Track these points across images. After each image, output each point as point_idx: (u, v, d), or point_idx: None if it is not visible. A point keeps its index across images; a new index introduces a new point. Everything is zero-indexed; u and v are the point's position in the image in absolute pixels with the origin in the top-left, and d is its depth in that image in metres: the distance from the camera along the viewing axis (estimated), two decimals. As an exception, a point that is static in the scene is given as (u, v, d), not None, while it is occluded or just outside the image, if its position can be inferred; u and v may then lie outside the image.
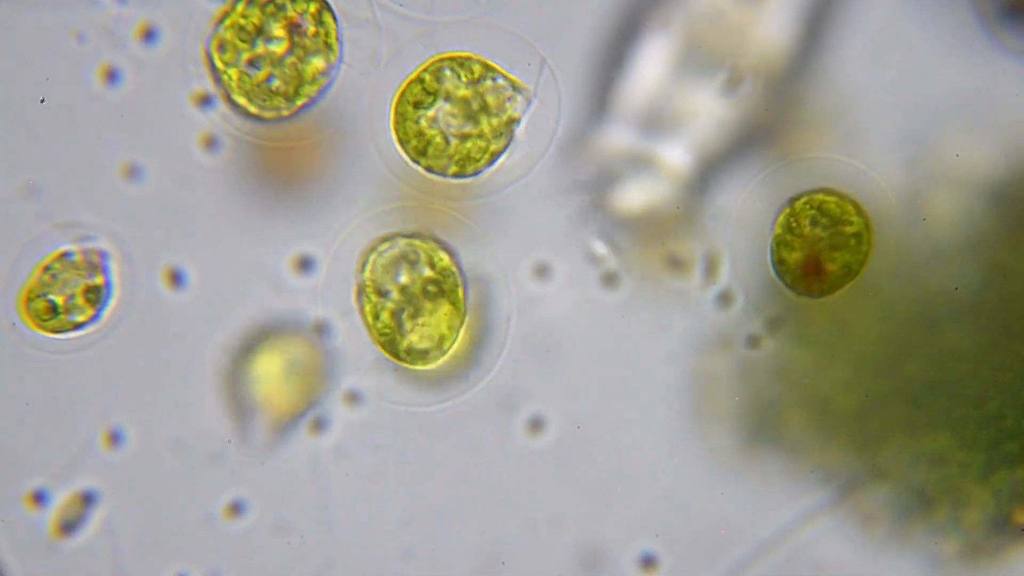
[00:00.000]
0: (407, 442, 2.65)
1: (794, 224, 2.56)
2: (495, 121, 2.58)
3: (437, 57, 2.58)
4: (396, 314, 2.59)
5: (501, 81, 2.58)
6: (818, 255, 2.56)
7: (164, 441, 2.64)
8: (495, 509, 2.66)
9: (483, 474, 2.66)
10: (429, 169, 2.59)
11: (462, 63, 2.58)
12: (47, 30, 2.63)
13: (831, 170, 2.58)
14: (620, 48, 2.60)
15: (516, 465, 2.66)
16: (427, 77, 2.57)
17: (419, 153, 2.58)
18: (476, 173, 2.60)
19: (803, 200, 2.57)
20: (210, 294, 2.65)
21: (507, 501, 2.66)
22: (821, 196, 2.57)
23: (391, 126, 2.59)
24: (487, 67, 2.58)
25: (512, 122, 2.58)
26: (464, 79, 2.57)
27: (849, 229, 2.57)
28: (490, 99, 2.57)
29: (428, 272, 2.58)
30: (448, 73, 2.57)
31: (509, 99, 2.57)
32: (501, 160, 2.59)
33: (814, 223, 2.57)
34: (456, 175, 2.59)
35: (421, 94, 2.57)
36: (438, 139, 2.56)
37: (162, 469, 2.65)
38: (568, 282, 2.63)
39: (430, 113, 2.56)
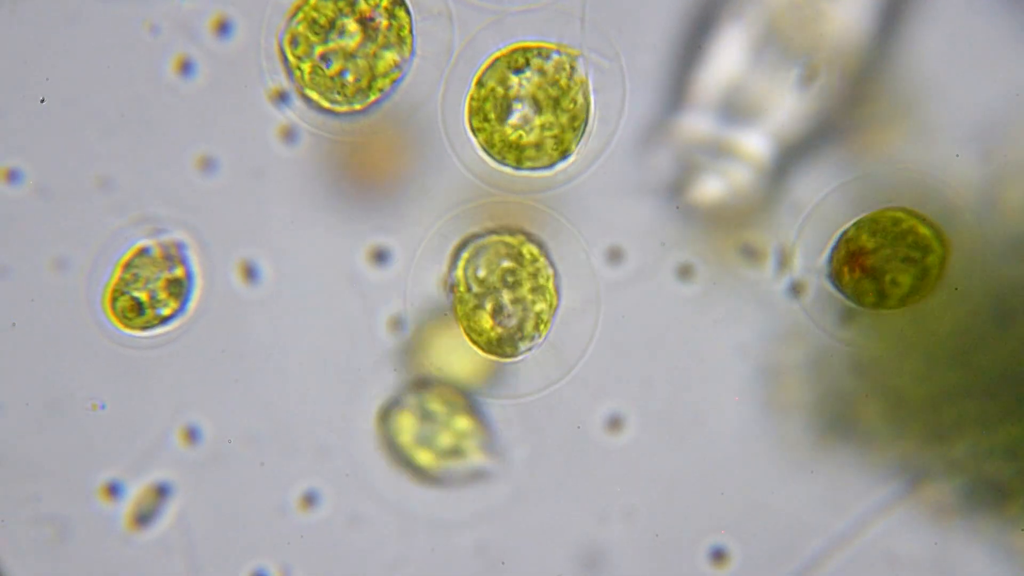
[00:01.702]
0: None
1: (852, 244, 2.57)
2: (571, 102, 2.57)
3: (489, 62, 2.58)
4: (484, 305, 2.58)
5: (556, 56, 2.57)
6: (858, 251, 2.56)
7: (238, 434, 2.65)
8: (569, 503, 2.66)
9: (558, 467, 2.66)
10: (534, 170, 2.59)
11: (510, 60, 2.57)
12: (120, 22, 2.63)
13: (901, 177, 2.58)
14: (697, 36, 2.60)
15: (591, 458, 2.66)
16: (497, 88, 2.56)
17: (519, 163, 2.58)
18: (569, 154, 2.59)
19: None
20: (285, 288, 2.65)
21: (581, 494, 2.66)
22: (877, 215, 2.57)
23: (481, 148, 2.59)
24: (537, 50, 2.57)
25: (586, 88, 2.57)
26: (531, 69, 2.57)
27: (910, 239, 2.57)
28: (562, 80, 2.57)
29: (508, 263, 2.58)
30: (512, 77, 2.57)
31: (572, 69, 2.56)
32: (588, 133, 2.58)
33: (872, 234, 2.57)
34: (558, 161, 2.59)
35: (500, 105, 2.57)
36: (530, 150, 2.57)
37: (236, 461, 2.66)
38: (640, 273, 2.63)
39: (513, 120, 2.56)
